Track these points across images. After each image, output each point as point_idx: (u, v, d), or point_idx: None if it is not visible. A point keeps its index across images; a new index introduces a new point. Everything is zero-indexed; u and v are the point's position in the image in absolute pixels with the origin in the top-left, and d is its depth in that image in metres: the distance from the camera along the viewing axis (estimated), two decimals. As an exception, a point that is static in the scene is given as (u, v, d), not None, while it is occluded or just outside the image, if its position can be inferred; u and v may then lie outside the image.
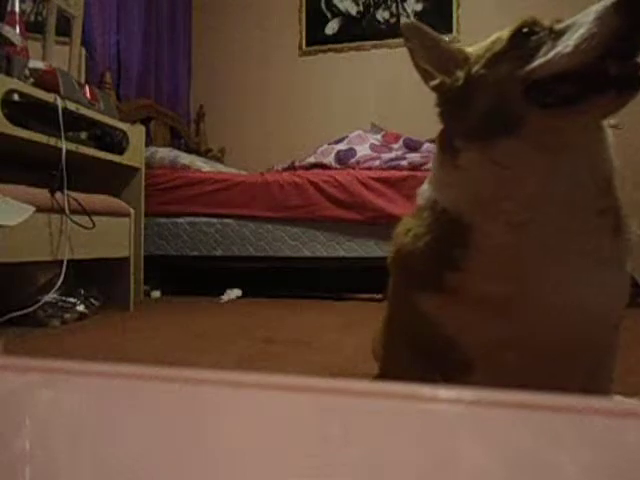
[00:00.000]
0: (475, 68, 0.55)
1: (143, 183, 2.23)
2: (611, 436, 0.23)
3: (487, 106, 0.53)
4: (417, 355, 0.68)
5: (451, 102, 0.56)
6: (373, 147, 2.75)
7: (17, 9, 1.85)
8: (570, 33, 0.49)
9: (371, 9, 3.42)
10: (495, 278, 0.54)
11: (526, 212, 0.52)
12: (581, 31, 0.48)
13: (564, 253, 0.54)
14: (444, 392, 0.25)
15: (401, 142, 2.75)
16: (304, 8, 3.53)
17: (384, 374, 0.82)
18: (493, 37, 0.57)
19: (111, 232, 1.96)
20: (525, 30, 0.55)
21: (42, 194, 1.63)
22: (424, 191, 0.62)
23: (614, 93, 0.49)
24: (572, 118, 0.51)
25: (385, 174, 2.41)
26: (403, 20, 0.55)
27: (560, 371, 0.61)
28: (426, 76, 0.57)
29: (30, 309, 1.59)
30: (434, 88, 0.57)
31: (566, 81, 0.49)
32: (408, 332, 0.68)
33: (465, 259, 0.55)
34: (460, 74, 0.55)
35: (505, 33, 0.57)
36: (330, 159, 2.71)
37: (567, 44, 0.48)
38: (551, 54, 0.50)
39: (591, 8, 0.49)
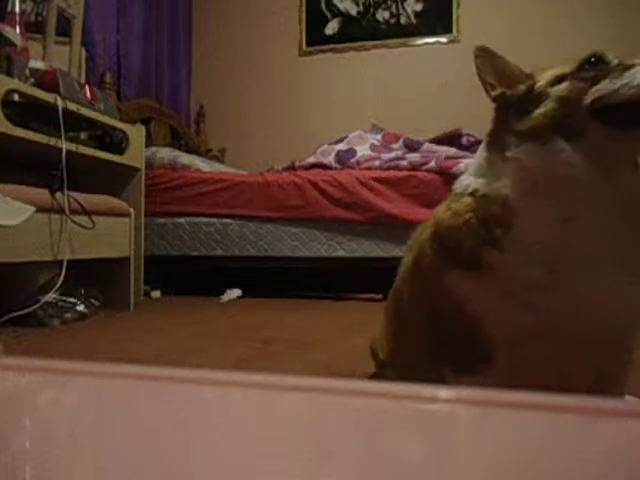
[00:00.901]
0: (540, 83, 0.61)
1: (143, 183, 2.23)
2: (612, 436, 0.23)
3: (550, 114, 0.58)
4: (430, 346, 0.68)
5: (509, 108, 0.62)
6: (373, 147, 2.75)
7: (17, 9, 1.85)
8: (636, 70, 0.56)
9: (371, 9, 3.42)
10: (532, 264, 0.56)
11: (571, 210, 0.56)
12: None
13: (604, 256, 0.56)
14: (444, 392, 0.25)
15: (401, 142, 2.75)
16: (304, 8, 3.53)
17: (391, 365, 0.82)
18: (560, 66, 0.63)
19: (111, 232, 1.96)
20: (593, 60, 0.61)
21: (42, 194, 1.63)
22: (462, 180, 0.65)
23: None
24: (629, 141, 0.57)
25: (385, 174, 2.41)
26: (477, 44, 0.61)
27: (577, 369, 0.62)
28: (488, 87, 0.65)
29: (30, 309, 1.59)
30: (494, 97, 0.64)
31: (630, 109, 0.55)
32: (427, 318, 0.68)
33: (506, 239, 0.57)
34: (522, 87, 0.62)
35: (572, 61, 0.63)
36: (330, 159, 2.71)
37: (635, 77, 0.54)
38: (618, 83, 0.55)
39: None
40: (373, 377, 0.94)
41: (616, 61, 0.60)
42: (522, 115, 0.59)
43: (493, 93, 0.64)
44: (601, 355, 0.62)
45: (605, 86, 0.56)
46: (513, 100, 0.62)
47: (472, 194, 0.62)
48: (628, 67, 0.57)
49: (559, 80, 0.60)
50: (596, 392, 0.64)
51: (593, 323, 0.57)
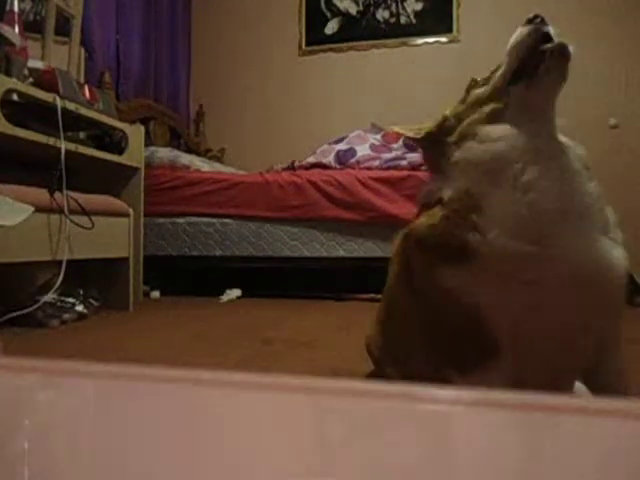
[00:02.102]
0: (448, 112, 0.75)
1: (143, 183, 2.23)
2: (612, 436, 0.23)
3: (472, 118, 0.70)
4: (432, 350, 0.69)
5: (433, 139, 0.75)
6: (373, 147, 2.75)
7: (16, 9, 1.85)
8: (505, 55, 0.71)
9: (371, 9, 3.42)
10: (512, 238, 0.60)
11: (522, 175, 0.62)
12: (511, 41, 0.70)
13: (571, 213, 0.61)
14: (444, 392, 0.25)
15: (401, 142, 2.75)
16: (304, 8, 3.53)
17: (392, 366, 0.83)
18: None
19: (111, 232, 1.96)
20: (472, 83, 0.75)
21: (41, 194, 1.63)
22: (424, 193, 0.73)
23: (552, 63, 0.66)
24: (527, 95, 0.67)
25: (385, 174, 2.41)
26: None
27: (579, 338, 0.63)
28: (411, 142, 0.82)
29: (30, 309, 1.59)
30: (420, 140, 0.76)
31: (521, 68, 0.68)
32: (426, 322, 0.70)
33: (481, 221, 0.62)
34: (438, 122, 0.75)
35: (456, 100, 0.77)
36: (330, 159, 2.71)
37: (506, 54, 0.71)
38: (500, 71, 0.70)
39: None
40: (370, 375, 0.94)
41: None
42: (447, 136, 0.71)
43: (417, 137, 0.76)
44: (597, 316, 0.63)
45: (499, 73, 0.70)
46: (435, 132, 0.74)
47: (439, 202, 0.68)
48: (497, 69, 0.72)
49: (463, 101, 0.74)
50: (599, 362, 0.67)
51: (583, 283, 0.60)
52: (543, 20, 0.69)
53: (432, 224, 0.67)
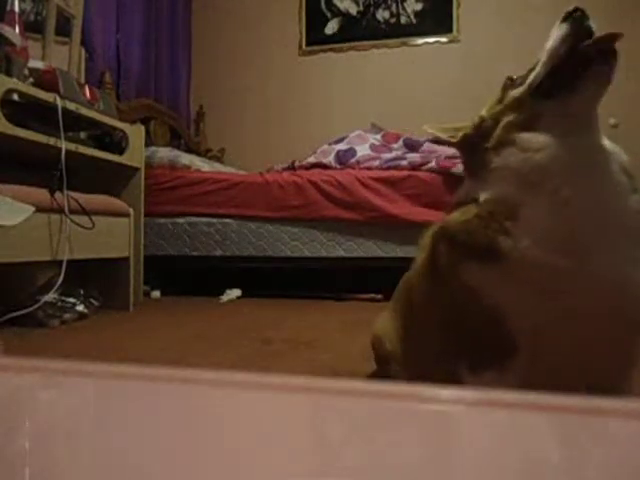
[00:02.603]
0: (485, 114, 0.72)
1: (143, 183, 2.23)
2: (613, 436, 0.23)
3: (508, 122, 0.67)
4: (446, 345, 0.69)
5: (472, 143, 0.72)
6: (373, 147, 2.75)
7: (17, 9, 1.85)
8: (542, 54, 0.67)
9: (371, 9, 3.42)
10: (545, 250, 0.59)
11: (562, 188, 0.60)
12: (548, 44, 0.65)
13: (609, 230, 0.60)
14: (445, 392, 0.25)
15: (401, 142, 2.75)
16: (304, 8, 3.53)
17: (401, 364, 0.83)
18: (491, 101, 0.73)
19: (111, 232, 1.96)
20: (508, 82, 0.71)
21: (42, 194, 1.63)
22: (460, 192, 0.72)
23: (595, 69, 0.62)
24: (570, 102, 0.63)
25: (385, 174, 2.41)
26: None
27: (598, 355, 0.63)
28: (448, 143, 0.77)
29: (30, 309, 1.59)
30: (457, 143, 0.75)
31: (559, 74, 0.63)
32: (444, 317, 0.70)
33: (516, 228, 0.61)
34: (475, 123, 0.73)
35: (493, 98, 0.73)
36: (330, 159, 2.71)
37: (541, 57, 0.66)
38: (535, 71, 0.67)
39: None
40: (373, 376, 0.94)
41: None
42: (485, 140, 0.68)
43: (454, 141, 0.75)
44: (619, 336, 0.62)
45: (534, 74, 0.66)
46: (473, 135, 0.72)
47: (475, 201, 0.67)
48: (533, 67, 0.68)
49: (493, 111, 0.70)
50: (616, 379, 0.66)
51: (609, 302, 0.59)
52: (585, 14, 0.62)
53: (465, 220, 0.66)
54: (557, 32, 0.63)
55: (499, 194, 0.64)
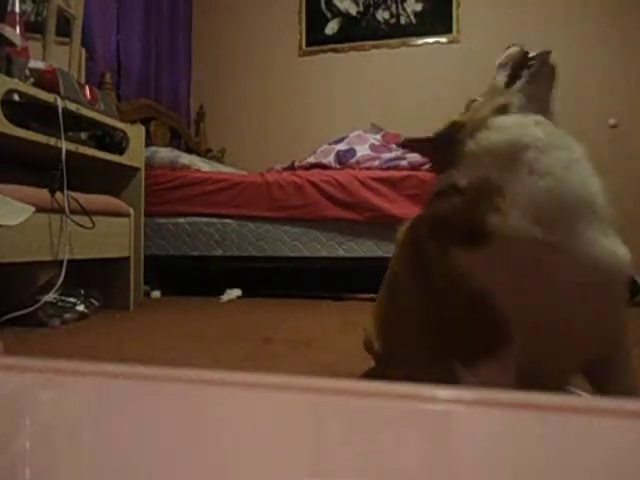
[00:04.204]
0: (462, 117, 0.77)
1: (143, 183, 2.23)
2: (613, 436, 0.23)
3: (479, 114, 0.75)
4: (439, 338, 0.70)
5: (445, 140, 0.76)
6: (373, 147, 2.74)
7: (17, 9, 1.85)
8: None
9: (371, 9, 3.42)
10: (533, 220, 0.61)
11: (540, 160, 0.63)
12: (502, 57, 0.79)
13: (585, 203, 0.63)
14: (444, 392, 0.25)
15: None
16: (304, 8, 3.53)
17: (392, 362, 0.83)
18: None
19: (111, 232, 1.96)
20: (470, 100, 0.81)
21: (42, 194, 1.63)
22: (436, 184, 0.75)
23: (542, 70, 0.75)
24: (530, 84, 0.73)
25: (385, 174, 2.41)
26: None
27: (587, 330, 0.64)
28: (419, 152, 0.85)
29: (30, 309, 1.59)
30: (429, 140, 0.79)
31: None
32: (435, 310, 0.70)
33: (504, 203, 0.63)
34: (446, 126, 0.77)
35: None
36: (330, 159, 2.71)
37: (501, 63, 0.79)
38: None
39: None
40: (370, 372, 0.94)
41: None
42: (457, 132, 0.73)
43: (428, 138, 0.78)
44: (606, 309, 0.64)
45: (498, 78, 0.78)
46: (446, 131, 0.76)
47: (454, 189, 0.69)
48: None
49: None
50: (608, 361, 0.68)
51: (595, 277, 0.61)
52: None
53: (452, 207, 0.67)
54: (506, 53, 0.77)
55: (481, 175, 0.66)
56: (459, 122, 0.75)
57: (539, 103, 0.72)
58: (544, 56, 0.73)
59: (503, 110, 0.70)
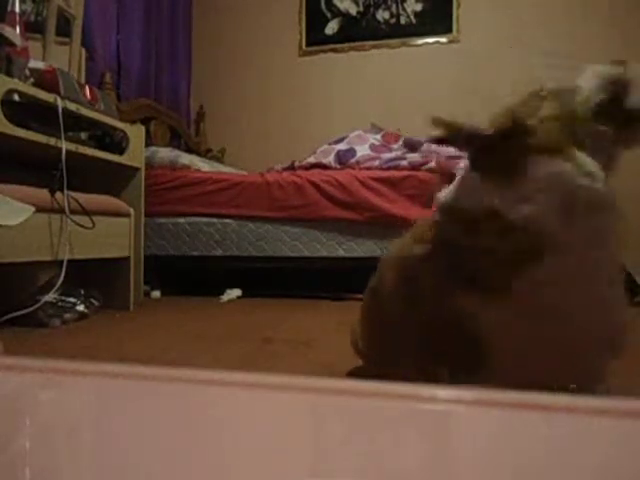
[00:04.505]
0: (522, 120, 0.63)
1: (143, 183, 2.23)
2: (612, 436, 0.23)
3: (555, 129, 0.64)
4: (426, 349, 0.69)
5: (503, 140, 0.64)
6: (373, 147, 2.74)
7: (17, 9, 1.85)
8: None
9: (371, 9, 3.42)
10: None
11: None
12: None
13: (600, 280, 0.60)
14: (444, 392, 0.25)
15: (401, 142, 2.75)
16: (304, 8, 3.53)
17: (378, 363, 0.84)
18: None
19: (111, 232, 1.96)
20: (538, 91, 0.65)
21: (42, 194, 1.63)
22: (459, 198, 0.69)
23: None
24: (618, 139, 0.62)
25: (385, 174, 2.41)
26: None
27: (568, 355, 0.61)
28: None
29: (30, 309, 1.59)
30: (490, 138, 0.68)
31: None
32: (423, 327, 0.68)
33: (548, 252, 0.57)
34: (503, 119, 0.64)
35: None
36: (330, 159, 2.71)
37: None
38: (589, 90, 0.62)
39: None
40: (358, 370, 0.96)
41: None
42: (523, 134, 0.61)
43: (488, 134, 0.66)
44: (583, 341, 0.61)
45: (594, 93, 0.62)
46: (510, 129, 0.62)
47: (494, 213, 0.60)
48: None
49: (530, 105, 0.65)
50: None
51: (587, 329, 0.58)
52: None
53: (452, 236, 0.62)
54: (599, 75, 0.59)
55: (541, 211, 0.54)
56: (527, 126, 0.59)
57: (614, 159, 0.60)
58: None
59: (582, 146, 0.57)
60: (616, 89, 0.57)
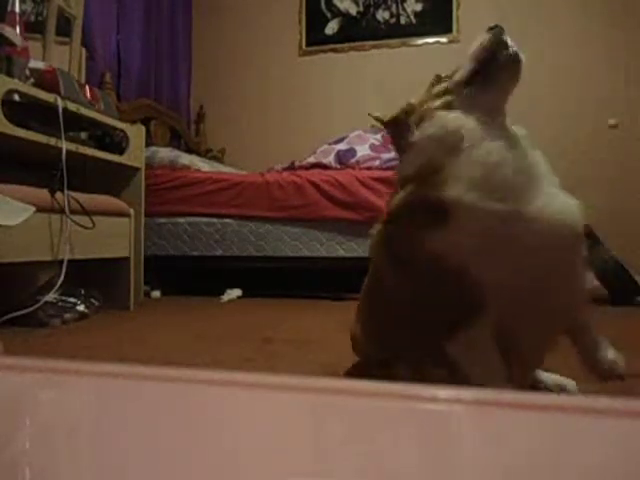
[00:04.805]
0: (410, 103, 0.83)
1: (143, 183, 2.23)
2: (612, 436, 0.23)
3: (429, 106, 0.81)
4: (419, 320, 0.75)
5: (396, 128, 0.83)
6: (373, 147, 2.74)
7: (17, 9, 1.85)
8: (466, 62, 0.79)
9: (371, 9, 3.42)
10: (479, 192, 0.68)
11: (480, 145, 0.70)
12: (473, 48, 0.77)
13: (525, 174, 0.70)
14: (443, 392, 0.25)
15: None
16: (304, 8, 3.53)
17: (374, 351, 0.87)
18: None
19: (111, 232, 1.96)
20: (434, 81, 0.83)
21: (42, 194, 1.63)
22: (397, 177, 0.84)
23: (507, 70, 0.76)
24: (483, 91, 0.76)
25: (385, 174, 2.41)
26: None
27: (555, 293, 0.69)
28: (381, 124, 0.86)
29: (30, 309, 1.59)
30: (384, 124, 0.85)
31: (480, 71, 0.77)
32: (413, 293, 0.74)
33: (446, 179, 0.70)
34: (400, 109, 0.83)
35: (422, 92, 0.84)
36: (330, 159, 2.71)
37: (469, 60, 0.78)
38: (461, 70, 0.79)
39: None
40: (355, 366, 0.97)
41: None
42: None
43: (385, 120, 0.84)
44: (568, 269, 0.70)
45: (460, 71, 0.79)
46: (401, 117, 0.82)
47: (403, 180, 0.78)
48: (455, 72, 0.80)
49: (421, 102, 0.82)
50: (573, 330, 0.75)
51: (552, 233, 0.67)
52: (502, 29, 0.77)
53: (404, 196, 0.76)
54: (480, 40, 0.77)
55: (423, 161, 0.74)
56: (410, 107, 0.81)
57: (487, 107, 0.75)
58: (512, 60, 0.74)
59: (449, 106, 0.76)
60: (485, 55, 0.75)
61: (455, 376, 0.70)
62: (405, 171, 0.78)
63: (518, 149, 0.73)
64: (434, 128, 0.75)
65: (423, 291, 0.72)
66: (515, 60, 0.75)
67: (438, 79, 0.82)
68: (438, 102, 0.78)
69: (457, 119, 0.74)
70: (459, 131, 0.72)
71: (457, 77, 0.79)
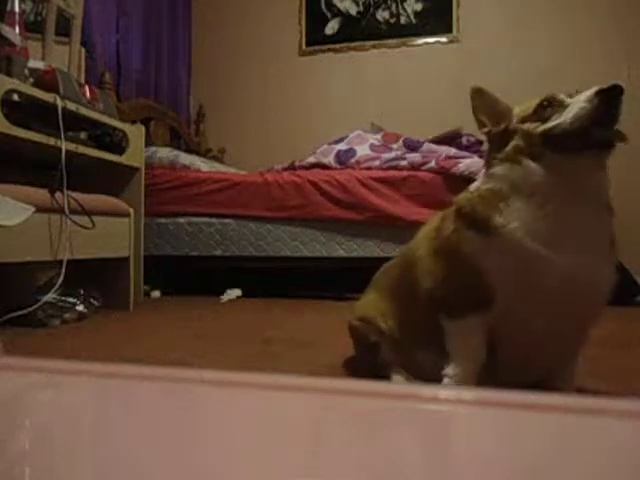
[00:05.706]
0: (512, 123, 0.85)
1: (143, 183, 2.23)
2: (612, 436, 0.23)
3: (517, 147, 0.82)
4: (435, 296, 0.85)
5: (494, 140, 0.86)
6: (373, 147, 2.74)
7: (17, 9, 1.85)
8: (571, 108, 0.78)
9: (371, 9, 3.42)
10: (525, 232, 0.76)
11: (544, 203, 0.77)
12: (575, 109, 0.77)
13: (577, 235, 0.76)
14: (445, 392, 0.25)
15: (401, 142, 2.75)
16: (304, 8, 3.53)
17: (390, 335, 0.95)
18: (527, 104, 0.85)
19: (111, 232, 1.96)
20: (545, 103, 0.82)
21: (42, 194, 1.63)
22: (475, 185, 0.89)
23: (595, 151, 0.78)
24: (572, 161, 0.79)
25: (385, 174, 2.41)
26: (472, 86, 0.89)
27: (558, 324, 0.79)
28: (480, 124, 0.87)
29: (30, 309, 1.59)
30: (485, 133, 0.88)
31: (569, 138, 0.77)
32: (442, 275, 0.84)
33: (507, 212, 0.78)
34: (502, 126, 0.85)
35: (533, 103, 0.84)
36: (330, 159, 2.71)
37: (566, 118, 0.77)
38: (556, 122, 0.79)
39: (584, 92, 0.78)
40: (353, 359, 1.01)
41: (562, 97, 0.82)
42: (502, 145, 0.83)
43: (483, 130, 0.87)
44: (572, 315, 0.78)
45: (551, 125, 0.79)
46: (497, 135, 0.85)
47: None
48: (567, 106, 0.79)
49: (523, 121, 0.83)
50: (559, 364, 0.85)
51: (571, 286, 0.75)
52: (621, 95, 0.77)
53: (470, 198, 0.83)
54: (588, 103, 0.76)
55: (497, 187, 0.81)
56: (511, 126, 0.83)
57: (571, 177, 0.78)
58: (606, 146, 0.77)
59: (535, 157, 0.79)
60: (589, 121, 0.75)
61: (441, 355, 0.82)
62: (477, 183, 0.86)
63: (586, 208, 0.78)
64: (517, 175, 0.80)
65: (448, 271, 0.84)
66: (607, 146, 0.77)
67: (548, 103, 0.82)
68: (525, 144, 0.80)
69: (539, 175, 0.78)
70: (537, 185, 0.78)
71: (549, 129, 0.79)
